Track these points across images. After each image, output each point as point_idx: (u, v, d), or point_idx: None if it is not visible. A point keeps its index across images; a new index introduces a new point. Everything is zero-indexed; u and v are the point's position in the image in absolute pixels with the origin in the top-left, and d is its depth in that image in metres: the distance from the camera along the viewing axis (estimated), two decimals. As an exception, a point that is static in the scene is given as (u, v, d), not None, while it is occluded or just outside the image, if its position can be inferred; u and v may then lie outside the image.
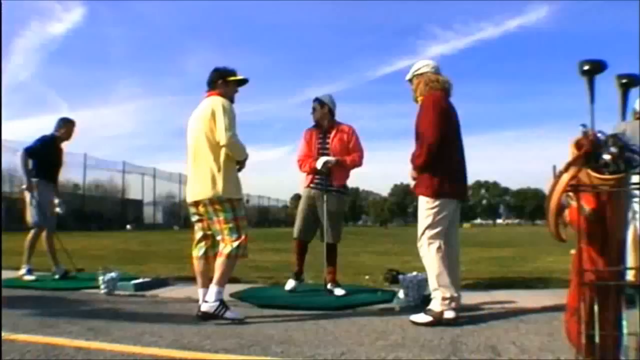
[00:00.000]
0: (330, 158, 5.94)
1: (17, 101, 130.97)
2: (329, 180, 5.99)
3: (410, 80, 4.81)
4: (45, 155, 7.25)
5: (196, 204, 4.62)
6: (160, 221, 58.70)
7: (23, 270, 7.07)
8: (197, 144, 4.60)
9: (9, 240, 7.88)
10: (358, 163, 6.07)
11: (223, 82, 4.74)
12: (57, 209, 7.46)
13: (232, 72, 4.81)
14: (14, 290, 6.34)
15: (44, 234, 7.34)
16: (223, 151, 4.53)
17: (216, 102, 4.57)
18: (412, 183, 4.77)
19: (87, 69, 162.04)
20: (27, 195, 7.21)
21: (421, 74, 4.73)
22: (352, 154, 6.04)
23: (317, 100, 6.15)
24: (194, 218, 4.73)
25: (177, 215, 59.39)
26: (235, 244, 4.50)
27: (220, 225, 4.54)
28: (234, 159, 4.61)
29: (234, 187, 4.58)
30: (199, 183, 4.55)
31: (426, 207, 4.50)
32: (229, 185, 4.53)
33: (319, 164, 5.93)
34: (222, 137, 4.45)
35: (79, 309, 5.07)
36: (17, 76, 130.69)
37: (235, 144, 4.51)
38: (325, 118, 6.12)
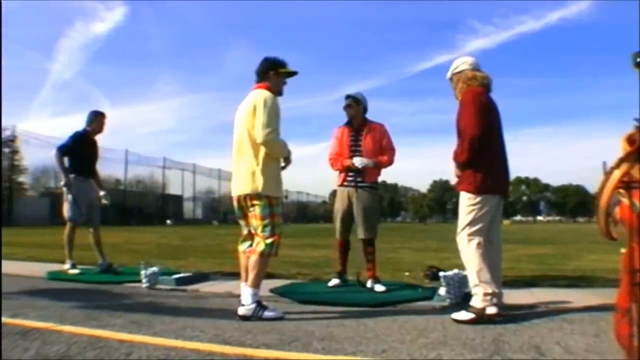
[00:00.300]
0: (369, 161, 5.92)
1: (63, 99, 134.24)
2: (361, 177, 5.98)
3: (451, 79, 4.77)
4: (79, 151, 7.39)
5: (238, 198, 4.65)
6: (199, 216, 59.41)
7: (67, 265, 7.23)
8: (241, 138, 4.61)
9: (55, 233, 8.06)
10: (391, 162, 6.06)
11: (274, 73, 4.70)
12: (103, 200, 7.61)
13: (283, 64, 4.75)
14: (60, 282, 6.50)
15: (90, 230, 7.51)
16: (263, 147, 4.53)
17: (259, 96, 4.53)
18: (453, 180, 4.73)
19: (128, 66, 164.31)
20: (64, 191, 7.40)
21: (460, 72, 4.69)
22: (385, 152, 6.01)
23: (351, 97, 6.12)
24: (237, 212, 4.74)
25: (216, 211, 60.01)
26: (269, 241, 4.49)
27: (256, 221, 4.54)
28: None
29: (273, 185, 4.55)
30: (241, 178, 4.58)
31: (468, 204, 4.45)
32: (268, 182, 4.51)
33: (357, 163, 5.91)
34: (258, 135, 4.43)
35: (121, 302, 5.15)
36: (62, 75, 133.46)
37: (272, 142, 4.45)
38: (359, 116, 6.11)
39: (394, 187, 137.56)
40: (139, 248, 12.96)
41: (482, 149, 4.36)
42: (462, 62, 4.71)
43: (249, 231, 4.70)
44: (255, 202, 4.53)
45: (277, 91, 4.68)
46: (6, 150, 50.00)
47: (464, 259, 4.44)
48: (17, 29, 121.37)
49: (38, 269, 7.52)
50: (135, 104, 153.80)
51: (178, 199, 58.07)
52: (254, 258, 4.51)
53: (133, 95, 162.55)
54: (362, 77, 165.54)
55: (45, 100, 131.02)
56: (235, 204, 4.70)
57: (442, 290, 5.14)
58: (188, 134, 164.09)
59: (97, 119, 7.54)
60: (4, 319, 4.15)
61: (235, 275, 4.86)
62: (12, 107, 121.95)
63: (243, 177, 4.55)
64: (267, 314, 4.41)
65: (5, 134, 48.66)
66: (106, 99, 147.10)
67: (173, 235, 21.10)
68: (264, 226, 4.51)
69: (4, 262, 8.58)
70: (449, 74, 4.77)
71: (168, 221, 48.74)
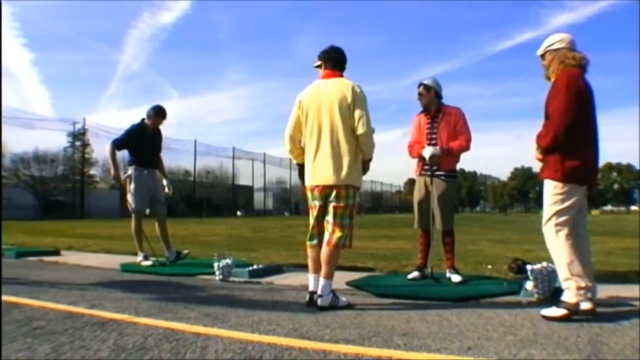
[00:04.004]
0: (436, 149, 5.86)
1: (131, 91, 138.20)
2: (436, 165, 5.93)
3: (542, 56, 4.56)
4: (136, 144, 7.61)
5: (322, 187, 4.68)
6: (270, 207, 60.20)
7: (140, 257, 7.45)
8: (332, 126, 4.65)
9: (126, 226, 8.33)
10: (465, 147, 5.94)
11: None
12: (166, 190, 7.80)
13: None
14: (133, 275, 6.70)
15: (155, 223, 7.72)
16: (355, 139, 4.63)
17: (356, 88, 4.66)
18: (535, 166, 4.57)
19: (196, 55, 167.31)
20: (127, 184, 7.63)
21: (555, 50, 4.44)
22: (458, 137, 5.92)
23: (422, 85, 6.08)
24: (315, 202, 4.77)
25: (287, 201, 60.65)
26: (345, 232, 4.62)
27: (337, 211, 4.61)
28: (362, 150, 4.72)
29: (358, 175, 4.73)
30: (327, 167, 4.62)
31: (554, 192, 4.28)
32: (356, 173, 4.68)
33: (425, 154, 5.90)
34: (361, 126, 4.57)
35: (195, 295, 5.26)
36: (131, 67, 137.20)
37: (371, 137, 4.66)
38: (432, 102, 6.04)
39: (472, 175, 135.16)
40: (209, 240, 13.24)
41: (572, 136, 4.18)
42: (558, 39, 4.48)
43: (318, 221, 4.76)
44: (342, 192, 4.64)
45: None
46: (77, 143, 52.11)
47: (553, 251, 4.29)
48: (86, 23, 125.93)
49: (111, 261, 7.79)
50: (204, 93, 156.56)
51: (248, 190, 59.07)
52: (328, 249, 4.57)
53: (201, 84, 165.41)
54: (439, 60, 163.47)
55: (114, 93, 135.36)
56: (315, 193, 4.74)
57: (529, 285, 5.00)
58: (258, 123, 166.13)
59: (153, 118, 7.68)
60: (82, 310, 4.34)
61: (306, 267, 4.88)
62: (83, 100, 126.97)
63: (330, 166, 4.61)
64: (341, 302, 4.57)
65: (76, 127, 50.80)
66: (174, 89, 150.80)
67: (244, 227, 21.46)
68: (345, 216, 4.64)
69: (79, 254, 8.95)
70: (540, 50, 4.54)
71: (238, 212, 49.66)
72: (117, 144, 7.55)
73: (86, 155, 51.84)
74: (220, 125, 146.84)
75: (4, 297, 4.84)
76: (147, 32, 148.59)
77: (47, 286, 5.66)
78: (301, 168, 4.94)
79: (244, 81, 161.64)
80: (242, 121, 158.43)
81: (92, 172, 54.71)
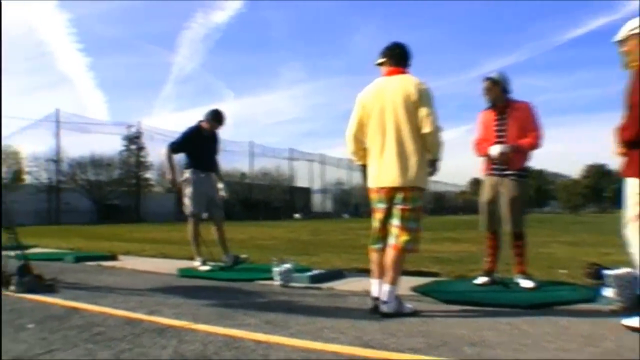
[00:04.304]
0: (505, 147, 5.74)
1: (186, 93, 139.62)
2: (505, 164, 5.80)
3: (621, 42, 4.33)
4: (192, 147, 7.72)
5: (388, 189, 4.66)
6: (329, 209, 60.31)
7: (197, 262, 7.56)
8: (397, 125, 4.63)
9: (182, 230, 8.47)
10: (535, 144, 5.78)
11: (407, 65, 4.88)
12: (221, 193, 7.91)
13: None
14: (191, 280, 6.80)
15: (211, 227, 7.82)
16: (421, 138, 4.59)
17: (420, 84, 4.63)
18: (612, 162, 4.41)
19: (251, 55, 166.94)
20: (183, 187, 7.75)
21: (638, 34, 4.23)
22: (528, 134, 5.77)
23: (487, 79, 5.94)
24: (379, 205, 4.74)
25: (347, 203, 60.66)
26: (412, 235, 4.59)
27: (404, 213, 4.58)
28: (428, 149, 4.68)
29: (425, 176, 4.70)
30: (393, 168, 4.60)
31: (638, 192, 4.11)
32: (423, 173, 4.66)
33: (493, 152, 5.79)
34: (428, 125, 4.54)
35: (255, 301, 5.30)
36: (185, 68, 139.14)
37: (440, 134, 4.62)
38: (499, 97, 5.90)
39: (539, 174, 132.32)
40: (267, 244, 13.33)
41: None
42: None
43: (382, 224, 4.73)
44: (408, 194, 4.61)
45: None
46: (133, 147, 53.30)
47: (636, 255, 4.13)
48: (139, 26, 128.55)
49: (169, 266, 7.93)
50: (259, 93, 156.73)
51: (306, 192, 59.30)
52: (393, 253, 4.53)
53: (257, 84, 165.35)
54: (503, 52, 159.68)
55: (169, 95, 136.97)
56: (380, 195, 4.71)
57: (608, 291, 4.83)
58: (315, 123, 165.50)
59: (210, 123, 7.76)
60: (141, 316, 4.43)
61: (369, 272, 4.86)
62: (137, 104, 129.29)
63: (396, 167, 4.59)
64: (406, 308, 4.55)
65: (131, 130, 51.97)
66: (229, 89, 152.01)
67: (302, 230, 21.54)
68: (411, 219, 4.61)
69: (136, 259, 9.15)
70: (620, 36, 4.33)
71: (296, 215, 49.90)
72: (174, 147, 7.69)
73: (141, 159, 52.98)
74: (276, 125, 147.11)
75: (65, 302, 5.02)
76: (201, 33, 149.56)
77: (106, 291, 5.81)
78: (364, 169, 4.92)
79: (300, 80, 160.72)
80: (298, 121, 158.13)
81: (148, 175, 55.84)
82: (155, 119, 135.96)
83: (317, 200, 60.65)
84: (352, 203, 59.90)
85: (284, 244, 13.40)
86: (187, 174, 7.75)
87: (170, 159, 7.65)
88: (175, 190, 7.83)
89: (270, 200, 52.08)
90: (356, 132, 4.86)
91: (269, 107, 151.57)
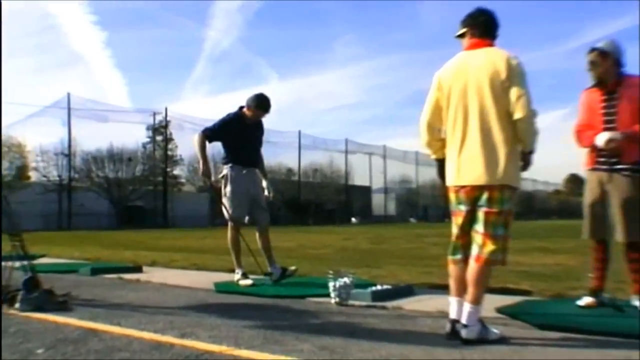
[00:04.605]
0: (615, 135, 5.52)
1: (221, 73, 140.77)
2: (616, 156, 5.58)
3: None
4: (231, 137, 7.69)
5: (471, 189, 4.59)
6: (392, 212, 60.20)
7: (237, 275, 7.59)
8: (481, 109, 4.54)
9: (218, 236, 8.55)
10: None
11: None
12: (266, 193, 7.90)
13: None
14: (230, 296, 6.84)
15: (257, 231, 7.84)
16: (512, 127, 4.48)
17: (512, 60, 4.51)
18: None
19: (298, 28, 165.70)
20: (221, 186, 7.77)
21: None
22: None
23: (595, 50, 5.71)
24: (460, 207, 4.68)
25: (414, 205, 60.42)
26: (500, 244, 4.48)
27: (490, 218, 4.47)
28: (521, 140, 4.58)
29: (517, 172, 4.59)
30: (477, 163, 4.52)
31: None
32: (515, 170, 4.56)
33: (599, 141, 5.56)
34: (520, 109, 4.39)
35: (306, 322, 5.30)
36: (219, 44, 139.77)
37: (534, 120, 4.49)
38: (609, 73, 5.66)
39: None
40: (319, 253, 13.36)
41: None
42: None
43: (462, 231, 4.66)
44: (495, 194, 4.49)
45: None
46: (159, 138, 54.11)
47: None
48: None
49: (203, 280, 8.01)
50: (308, 73, 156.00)
51: (365, 191, 59.34)
52: (477, 267, 4.44)
53: (306, 63, 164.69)
54: (608, 16, 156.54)
55: (201, 77, 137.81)
56: (460, 195, 4.64)
57: None
58: (376, 109, 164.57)
59: (252, 111, 7.70)
60: (172, 339, 4.46)
61: (444, 288, 4.81)
62: (164, 87, 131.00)
63: (481, 161, 4.50)
64: (491, 334, 4.47)
65: (157, 119, 52.71)
66: (272, 69, 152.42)
67: (361, 237, 21.52)
68: (497, 226, 4.50)
69: (164, 271, 9.27)
70: None
71: (353, 219, 50.02)
72: (209, 134, 7.71)
73: (169, 152, 53.76)
74: (329, 112, 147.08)
75: (81, 323, 5.09)
76: (237, 2, 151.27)
77: (129, 310, 5.88)
78: (441, 164, 4.84)
79: (357, 57, 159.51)
80: (356, 106, 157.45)
81: (177, 172, 56.59)
82: (185, 105, 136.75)
83: (378, 202, 60.64)
84: (420, 205, 59.69)
85: (339, 253, 13.41)
86: (226, 170, 7.77)
87: (203, 148, 7.65)
88: (210, 188, 7.89)
89: (322, 202, 52.36)
90: (431, 119, 4.80)
91: (319, 90, 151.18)
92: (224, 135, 7.72)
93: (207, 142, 7.69)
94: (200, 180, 54.45)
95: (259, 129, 7.96)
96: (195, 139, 7.68)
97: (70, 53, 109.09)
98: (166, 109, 51.83)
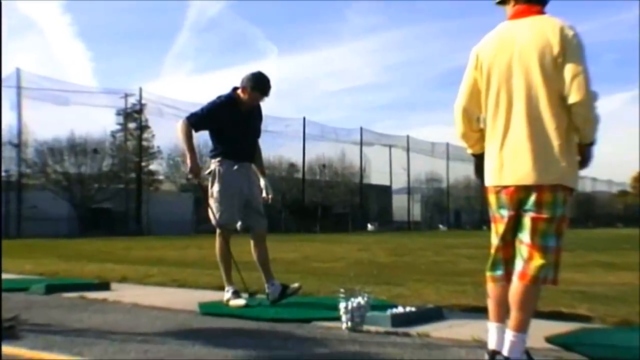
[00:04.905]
0: None
1: (208, 46, 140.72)
2: None
3: None
4: (222, 124, 7.60)
5: (515, 190, 4.56)
6: (417, 217, 60.18)
7: (227, 293, 7.58)
8: (529, 92, 4.51)
9: (204, 245, 8.57)
10: None
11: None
12: (264, 194, 7.87)
13: None
14: (218, 319, 6.84)
15: (251, 240, 7.82)
16: (567, 113, 4.41)
17: (567, 30, 4.44)
18: None
19: None
20: (208, 184, 7.75)
21: None
22: None
23: None
24: (502, 212, 4.66)
25: (444, 209, 60.39)
26: (551, 258, 4.42)
27: (539, 225, 4.44)
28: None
29: (574, 170, 4.54)
30: (527, 156, 4.49)
31: None
32: (570, 165, 4.48)
33: None
34: (577, 90, 4.32)
35: (312, 352, 5.30)
36: (206, 11, 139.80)
37: (594, 107, 4.41)
38: None
39: None
40: (328, 267, 13.36)
41: None
42: None
43: (504, 241, 4.63)
44: (546, 197, 4.43)
45: None
46: (131, 125, 54.12)
47: None
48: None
49: (186, 299, 8.03)
50: (316, 47, 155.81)
51: (384, 192, 59.40)
52: (522, 286, 4.41)
53: (311, 34, 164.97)
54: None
55: (184, 50, 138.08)
56: (502, 197, 4.62)
57: None
58: (398, 91, 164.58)
59: (247, 93, 7.67)
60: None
61: (481, 312, 4.79)
62: (137, 62, 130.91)
63: (528, 155, 4.47)
64: None
65: (129, 102, 52.74)
66: (271, 42, 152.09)
67: (379, 247, 21.54)
68: (550, 234, 4.43)
69: (137, 289, 9.28)
70: None
71: (370, 225, 50.10)
72: (195, 122, 7.66)
73: (144, 143, 53.83)
74: (340, 95, 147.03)
75: (32, 354, 5.09)
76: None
77: (93, 336, 5.87)
78: (479, 160, 4.83)
79: (375, 27, 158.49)
80: (373, 88, 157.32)
81: (153, 167, 56.63)
82: (164, 85, 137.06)
83: (400, 204, 60.65)
84: (451, 209, 59.78)
85: (352, 267, 13.39)
86: (214, 165, 7.74)
87: (189, 139, 7.59)
88: (199, 188, 7.84)
89: (331, 204, 52.52)
90: (468, 104, 4.76)
91: (328, 68, 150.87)
92: (214, 123, 7.66)
93: (193, 131, 7.67)
94: (185, 177, 54.51)
95: (256, 115, 7.92)
96: (179, 127, 7.61)
97: (20, 19, 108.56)
98: (140, 90, 52.03)
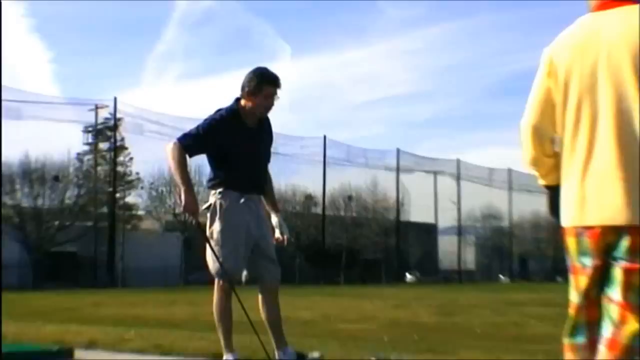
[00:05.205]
0: None
1: (203, 44, 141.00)
2: None
3: None
4: (224, 146, 7.56)
5: (600, 231, 4.52)
6: (471, 265, 60.13)
7: (227, 361, 7.58)
8: (619, 105, 4.47)
9: (195, 301, 8.54)
10: None
11: None
12: (277, 235, 7.82)
13: None
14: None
15: (259, 292, 7.81)
16: None
17: None
18: None
19: None
20: (207, 221, 7.71)
21: None
22: None
23: None
24: (585, 260, 4.62)
25: (506, 254, 60.30)
26: None
27: (632, 279, 4.38)
28: None
29: None
30: (618, 189, 4.44)
31: None
32: None
33: None
34: None
35: None
36: (200, 1, 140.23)
37: None
38: None
39: None
40: (356, 329, 13.35)
41: None
42: None
43: (588, 303, 4.59)
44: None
45: None
46: (103, 145, 54.27)
47: None
48: None
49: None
50: (339, 47, 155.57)
51: (428, 232, 59.33)
52: (611, 356, 4.37)
53: (334, 30, 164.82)
54: None
55: (171, 49, 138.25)
56: (585, 242, 4.58)
57: None
58: (445, 102, 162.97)
59: (254, 93, 7.67)
60: None
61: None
62: (111, 65, 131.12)
63: (619, 188, 4.41)
64: None
65: (101, 116, 52.85)
66: (284, 40, 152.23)
67: (421, 304, 21.53)
68: None
69: (109, 357, 9.28)
70: None
71: (409, 275, 50.19)
72: (188, 144, 7.54)
73: (120, 168, 54.00)
74: (370, 107, 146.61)
75: None
76: None
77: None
78: (553, 193, 4.79)
79: (415, 20, 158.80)
80: (413, 98, 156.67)
81: (131, 199, 56.72)
82: (146, 94, 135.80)
83: (448, 248, 60.62)
84: (515, 255, 59.75)
85: (386, 330, 13.39)
86: (214, 197, 7.65)
87: (183, 167, 7.46)
88: (197, 227, 7.68)
89: (359, 248, 52.65)
90: (539, 121, 4.69)
91: (355, 74, 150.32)
92: (213, 145, 7.59)
93: (187, 157, 7.59)
94: (172, 212, 54.52)
95: (265, 132, 7.87)
96: (170, 152, 7.41)
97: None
98: (115, 100, 52.04)
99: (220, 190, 7.56)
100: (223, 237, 7.51)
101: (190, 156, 7.50)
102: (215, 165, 7.69)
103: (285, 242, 7.83)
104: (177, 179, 7.43)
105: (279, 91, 7.61)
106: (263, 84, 7.45)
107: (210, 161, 7.71)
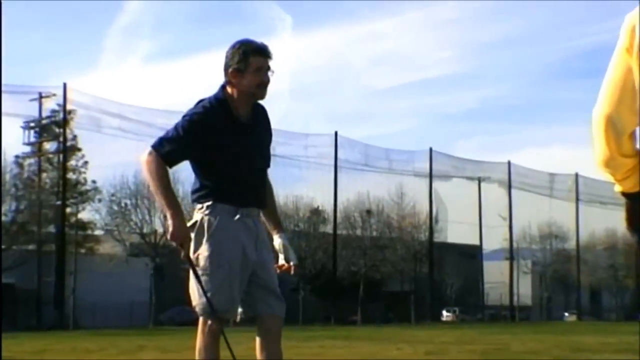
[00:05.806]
0: None
1: (178, 15, 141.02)
2: None
3: None
4: (212, 147, 7.55)
5: None
6: (527, 299, 60.19)
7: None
8: None
9: (168, 347, 8.69)
10: None
11: None
12: (282, 262, 7.83)
13: None
14: None
15: (257, 333, 7.94)
16: None
17: None
18: None
19: None
20: (192, 245, 7.68)
21: None
22: None
23: None
24: None
25: (571, 285, 60.33)
26: None
27: None
28: None
29: None
30: None
31: None
32: None
33: None
34: None
35: None
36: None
37: None
38: None
39: None
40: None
41: None
42: None
43: None
44: None
45: None
46: (49, 146, 54.28)
47: None
48: None
49: None
50: (353, 16, 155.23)
51: (470, 256, 59.45)
52: None
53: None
54: None
55: (136, 23, 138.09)
56: None
57: None
58: (490, 88, 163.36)
59: (244, 62, 7.63)
60: None
61: None
62: (59, 45, 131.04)
63: None
64: None
65: (46, 106, 52.81)
66: (283, 9, 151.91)
67: (461, 349, 21.66)
68: None
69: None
70: None
71: (446, 312, 50.32)
72: (167, 152, 7.43)
73: (71, 175, 54.07)
74: (395, 94, 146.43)
75: None
76: None
77: None
78: (635, 202, 4.85)
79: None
80: (450, 83, 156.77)
81: (86, 214, 56.68)
82: (105, 80, 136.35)
83: (496, 278, 60.70)
84: (584, 285, 59.88)
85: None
86: (201, 214, 7.55)
87: (165, 182, 7.30)
88: (185, 259, 7.47)
89: (382, 277, 52.87)
90: (616, 111, 4.71)
91: (374, 50, 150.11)
92: (197, 148, 7.54)
93: (167, 168, 7.41)
94: (139, 233, 54.48)
95: (261, 125, 7.79)
96: (146, 166, 7.01)
97: None
98: (65, 87, 51.97)
99: (208, 204, 7.15)
100: (212, 265, 7.10)
101: (171, 166, 7.10)
102: (201, 171, 7.29)
103: (292, 271, 7.53)
104: (160, 200, 6.83)
105: (272, 65, 7.16)
106: (249, 54, 7.07)
107: (194, 167, 7.34)
